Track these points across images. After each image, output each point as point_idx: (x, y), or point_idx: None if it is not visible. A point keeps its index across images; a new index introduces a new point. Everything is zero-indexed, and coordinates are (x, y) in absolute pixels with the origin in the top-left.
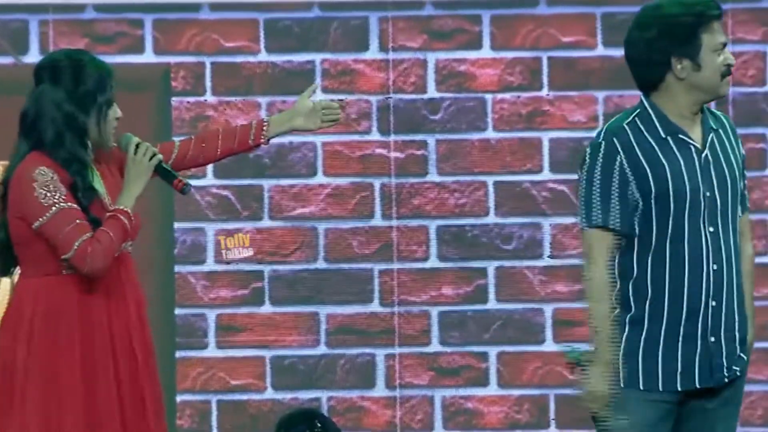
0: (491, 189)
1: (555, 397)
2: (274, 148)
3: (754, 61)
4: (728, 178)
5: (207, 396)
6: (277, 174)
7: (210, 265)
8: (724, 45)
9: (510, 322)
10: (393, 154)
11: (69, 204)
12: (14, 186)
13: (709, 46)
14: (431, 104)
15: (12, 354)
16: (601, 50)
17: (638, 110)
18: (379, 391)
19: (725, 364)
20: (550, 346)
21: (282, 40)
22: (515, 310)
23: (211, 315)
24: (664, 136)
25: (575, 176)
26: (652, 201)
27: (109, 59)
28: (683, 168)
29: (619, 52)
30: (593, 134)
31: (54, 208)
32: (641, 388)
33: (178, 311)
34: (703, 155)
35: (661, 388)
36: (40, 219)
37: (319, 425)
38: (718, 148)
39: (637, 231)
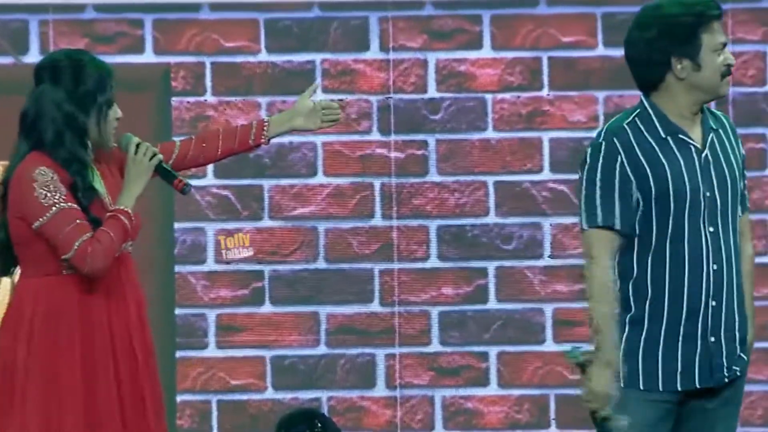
0: (491, 189)
1: (555, 397)
2: (274, 148)
3: (754, 61)
4: (728, 178)
5: (207, 396)
6: (277, 174)
7: (210, 265)
8: (724, 45)
9: (510, 322)
10: (393, 154)
11: (69, 204)
12: (14, 186)
13: (709, 46)
14: (431, 104)
15: (12, 354)
16: (601, 50)
17: (638, 110)
18: (380, 391)
19: (725, 364)
20: (550, 346)
21: (282, 40)
22: (515, 310)
23: (212, 315)
24: (664, 136)
25: (575, 176)
26: (652, 201)
27: (109, 59)
28: (683, 168)
29: (619, 52)
30: (593, 134)
31: (54, 208)
32: (641, 388)
33: (178, 311)
34: (703, 155)
35: (661, 388)
36: (41, 219)
37: (319, 425)
38: (718, 148)
39: (637, 231)
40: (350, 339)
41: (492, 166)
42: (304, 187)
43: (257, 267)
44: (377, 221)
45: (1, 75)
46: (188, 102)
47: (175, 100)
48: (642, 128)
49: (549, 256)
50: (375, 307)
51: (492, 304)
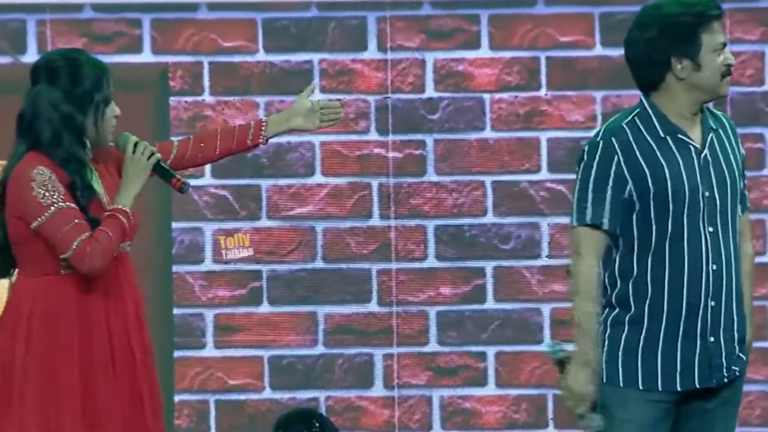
0: (489, 189)
1: (553, 396)
2: (272, 147)
3: (752, 61)
4: (728, 178)
5: (205, 396)
6: (275, 174)
7: (208, 264)
8: (724, 45)
9: (508, 322)
10: (391, 154)
11: (68, 203)
12: (12, 186)
13: (709, 46)
14: (429, 104)
15: (10, 353)
16: (599, 50)
17: (637, 110)
18: (377, 390)
19: (725, 364)
20: None
21: (280, 39)
22: (513, 310)
23: (209, 315)
24: (663, 135)
25: (573, 176)
26: (651, 201)
27: (106, 59)
28: (682, 168)
29: (617, 52)
30: (591, 134)
31: (53, 207)
32: (640, 387)
33: (176, 311)
34: (702, 155)
35: (660, 388)
36: (39, 219)
37: (317, 425)
38: (718, 148)
39: (636, 231)
40: (348, 339)
41: (490, 166)
42: (302, 186)
43: (255, 267)
44: (375, 221)
45: None
46: (186, 102)
47: (173, 100)
48: (641, 128)
49: (547, 256)
50: (373, 307)
51: (490, 304)
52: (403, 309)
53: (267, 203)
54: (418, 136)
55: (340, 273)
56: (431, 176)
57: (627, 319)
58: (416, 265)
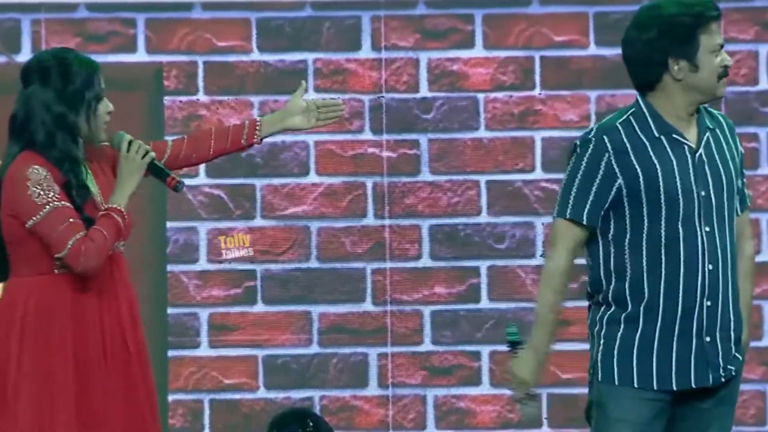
0: (483, 188)
1: (547, 396)
2: (266, 147)
3: (747, 61)
4: (724, 178)
5: (199, 395)
6: (269, 173)
7: (202, 264)
8: (722, 46)
9: (502, 321)
10: (385, 154)
11: (63, 202)
12: (7, 185)
13: (706, 47)
14: (423, 103)
15: (5, 352)
16: (593, 49)
17: (633, 109)
18: (372, 390)
19: (721, 363)
20: None
21: (274, 39)
22: (508, 309)
23: (204, 314)
24: (657, 135)
25: None
26: (643, 200)
27: (101, 58)
28: (675, 168)
29: (611, 52)
30: None
31: (48, 206)
32: (635, 386)
33: (170, 310)
34: (697, 155)
35: (655, 387)
36: (34, 218)
37: (311, 424)
38: (714, 148)
39: (629, 230)
40: (342, 338)
41: (484, 165)
42: (296, 186)
43: (250, 266)
44: (369, 220)
45: None
46: (180, 101)
47: (167, 100)
48: (636, 127)
49: (541, 256)
50: (367, 306)
51: (484, 303)
52: (398, 308)
53: (261, 203)
54: (413, 136)
55: (335, 272)
56: (425, 176)
57: (623, 317)
58: (411, 264)
